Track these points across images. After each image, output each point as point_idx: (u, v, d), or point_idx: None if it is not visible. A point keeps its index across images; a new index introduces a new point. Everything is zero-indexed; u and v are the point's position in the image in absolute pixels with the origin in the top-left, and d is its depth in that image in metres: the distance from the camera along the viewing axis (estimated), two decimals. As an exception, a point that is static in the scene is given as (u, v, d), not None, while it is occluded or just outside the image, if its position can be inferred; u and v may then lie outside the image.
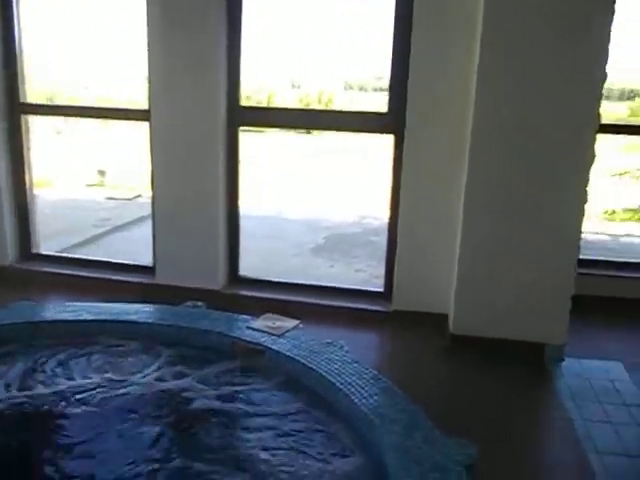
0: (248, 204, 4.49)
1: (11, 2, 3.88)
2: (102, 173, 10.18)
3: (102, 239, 6.49)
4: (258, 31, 4.11)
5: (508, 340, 3.21)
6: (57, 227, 6.15)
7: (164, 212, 3.88)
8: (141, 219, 6.98)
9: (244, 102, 3.74)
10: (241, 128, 3.75)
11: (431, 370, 3.14)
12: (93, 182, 9.98)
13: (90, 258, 4.43)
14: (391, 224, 3.61)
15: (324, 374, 2.60)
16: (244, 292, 3.89)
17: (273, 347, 2.86)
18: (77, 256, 4.60)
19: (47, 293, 3.90)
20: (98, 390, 2.58)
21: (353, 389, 2.49)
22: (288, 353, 2.80)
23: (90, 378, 2.67)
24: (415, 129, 3.37)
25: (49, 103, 5.12)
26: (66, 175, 9.71)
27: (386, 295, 3.71)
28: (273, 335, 2.96)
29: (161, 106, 3.72)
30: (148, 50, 3.64)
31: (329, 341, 2.94)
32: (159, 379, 2.69)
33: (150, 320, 3.16)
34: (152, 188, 3.89)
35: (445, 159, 3.35)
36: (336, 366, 2.68)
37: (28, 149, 4.18)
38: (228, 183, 3.84)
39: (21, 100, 4.05)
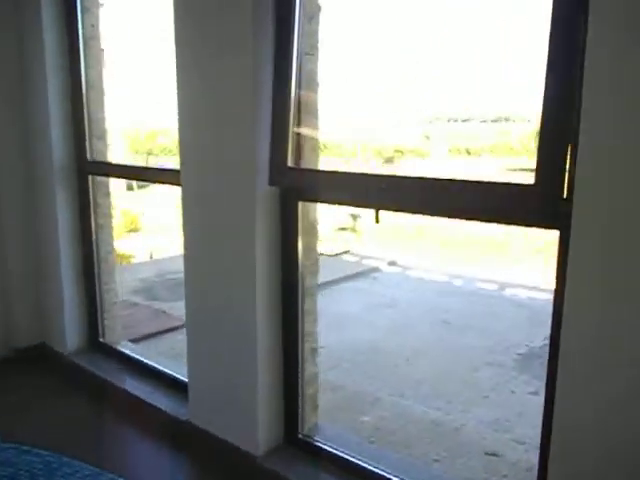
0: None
1: (79, 57, 3.09)
2: (354, 217, 9.66)
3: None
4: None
5: None
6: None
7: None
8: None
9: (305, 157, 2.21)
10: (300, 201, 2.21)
11: None
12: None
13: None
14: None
15: None
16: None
17: None
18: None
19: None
20: None
21: None
22: None
23: None
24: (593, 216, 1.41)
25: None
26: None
27: None
28: None
29: (191, 167, 2.43)
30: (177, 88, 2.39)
31: None
32: None
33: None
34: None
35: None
36: None
37: (101, 214, 3.34)
38: (272, 290, 2.32)
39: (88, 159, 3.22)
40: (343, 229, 9.86)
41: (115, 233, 3.56)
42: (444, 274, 6.90)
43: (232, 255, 2.34)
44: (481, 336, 4.93)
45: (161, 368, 3.04)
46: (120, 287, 3.74)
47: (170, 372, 2.97)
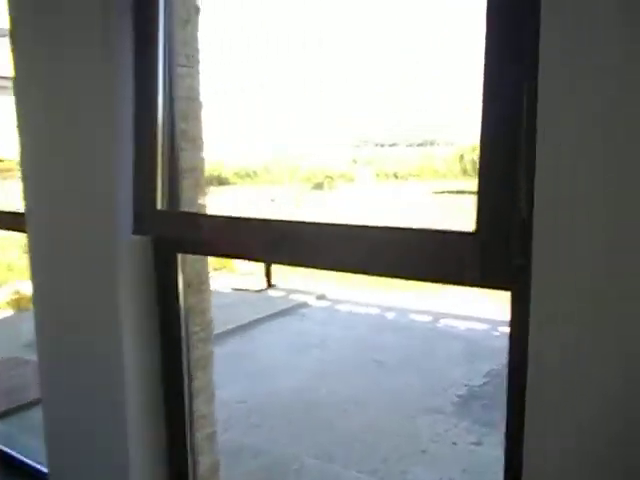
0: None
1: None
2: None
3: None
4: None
5: None
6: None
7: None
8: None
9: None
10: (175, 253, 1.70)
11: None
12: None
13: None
14: None
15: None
16: None
17: None
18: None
19: None
20: None
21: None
22: None
23: None
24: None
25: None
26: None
27: None
28: None
29: (40, 209, 1.89)
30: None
31: None
32: None
33: None
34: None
35: None
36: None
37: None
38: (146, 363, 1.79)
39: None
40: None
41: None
42: (375, 306, 6.52)
43: (91, 325, 1.80)
44: (417, 377, 4.53)
45: (19, 456, 2.41)
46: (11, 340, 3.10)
47: (30, 462, 2.36)
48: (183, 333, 1.81)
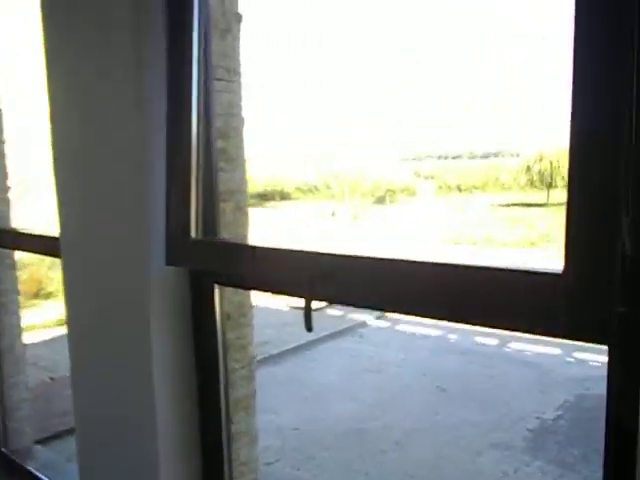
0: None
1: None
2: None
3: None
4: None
5: None
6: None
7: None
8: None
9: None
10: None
11: None
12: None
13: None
14: None
15: None
16: None
17: None
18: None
19: None
20: None
21: None
22: None
23: None
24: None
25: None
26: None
27: None
28: None
29: (72, 234, 1.77)
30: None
31: None
32: None
33: None
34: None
35: None
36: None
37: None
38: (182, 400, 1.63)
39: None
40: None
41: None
42: (437, 327, 6.19)
43: (122, 360, 1.66)
44: (483, 407, 4.21)
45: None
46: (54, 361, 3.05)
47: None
48: (221, 370, 1.64)
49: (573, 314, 0.92)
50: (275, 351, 5.32)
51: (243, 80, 1.70)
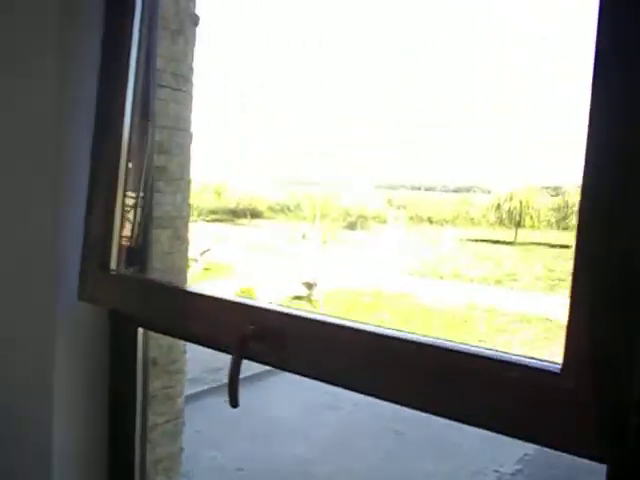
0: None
1: None
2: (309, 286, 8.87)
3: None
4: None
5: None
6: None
7: None
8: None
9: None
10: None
11: None
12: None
13: None
14: None
15: None
16: None
17: None
18: None
19: None
20: None
21: None
22: None
23: None
24: None
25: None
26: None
27: None
28: None
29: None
30: None
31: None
32: None
33: None
34: None
35: None
36: None
37: None
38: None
39: None
40: (298, 298, 9.04)
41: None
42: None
43: (24, 407, 1.38)
44: (440, 456, 3.99)
45: None
46: None
47: None
48: (138, 426, 1.38)
49: (568, 423, 0.70)
50: (224, 381, 5.03)
51: (197, 90, 1.48)
